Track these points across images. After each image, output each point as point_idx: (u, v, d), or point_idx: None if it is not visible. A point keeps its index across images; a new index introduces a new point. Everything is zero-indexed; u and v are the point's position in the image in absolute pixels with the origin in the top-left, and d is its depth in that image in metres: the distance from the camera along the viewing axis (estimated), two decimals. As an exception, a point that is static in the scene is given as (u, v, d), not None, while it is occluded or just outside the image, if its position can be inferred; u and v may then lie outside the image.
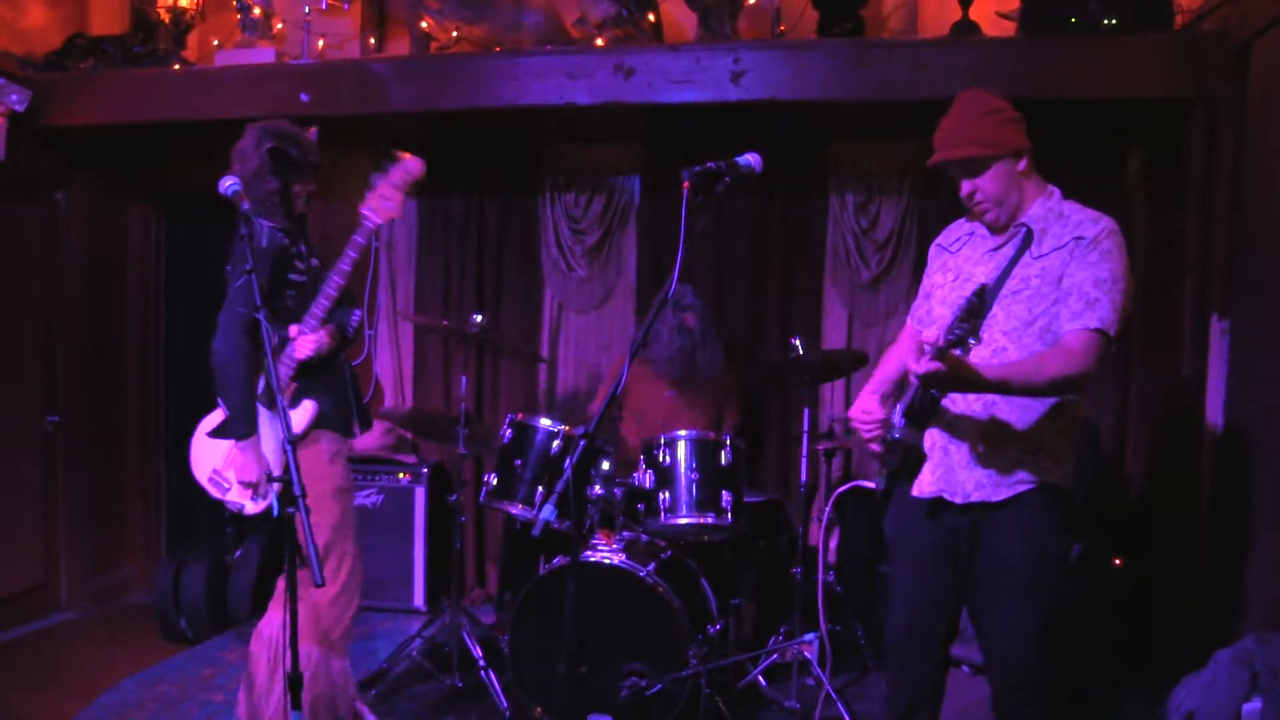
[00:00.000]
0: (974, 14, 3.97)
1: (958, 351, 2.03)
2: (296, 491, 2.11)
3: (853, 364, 4.08)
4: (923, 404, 2.31)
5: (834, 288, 4.65)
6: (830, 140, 4.56)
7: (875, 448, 2.45)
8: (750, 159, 2.17)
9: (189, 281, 5.20)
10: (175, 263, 5.26)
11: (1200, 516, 3.50)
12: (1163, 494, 3.83)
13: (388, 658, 3.89)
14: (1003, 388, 2.19)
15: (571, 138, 4.76)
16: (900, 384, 2.53)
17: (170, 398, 5.26)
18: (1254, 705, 2.49)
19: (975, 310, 1.96)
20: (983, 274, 2.37)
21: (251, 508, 2.95)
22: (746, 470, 3.62)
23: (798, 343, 3.77)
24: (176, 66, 4.44)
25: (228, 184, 2.49)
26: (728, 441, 3.48)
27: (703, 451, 3.44)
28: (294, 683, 2.10)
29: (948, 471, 2.37)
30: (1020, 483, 2.30)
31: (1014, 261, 2.33)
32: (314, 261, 3.04)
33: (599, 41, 4.18)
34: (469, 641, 3.73)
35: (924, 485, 2.42)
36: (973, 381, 2.14)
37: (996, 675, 2.43)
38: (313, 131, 2.96)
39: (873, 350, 4.59)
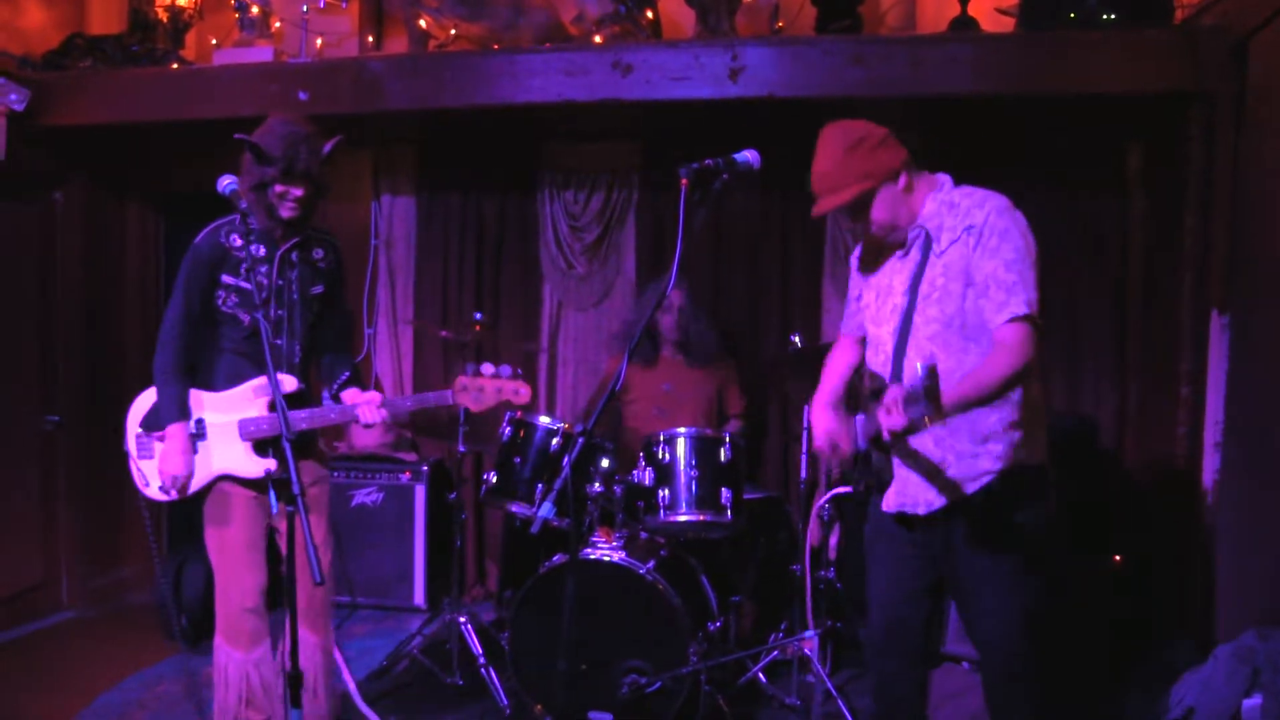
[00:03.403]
0: (972, 10, 3.97)
1: (929, 419, 1.98)
2: (295, 490, 2.11)
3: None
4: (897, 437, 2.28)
5: (833, 284, 4.65)
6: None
7: (837, 472, 2.47)
8: (748, 155, 2.17)
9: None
10: (174, 262, 5.23)
11: (1200, 513, 3.50)
12: (1162, 490, 3.82)
13: (388, 656, 3.89)
14: (965, 407, 2.19)
15: (570, 135, 4.75)
16: (850, 392, 2.57)
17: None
18: (1254, 701, 2.49)
19: (930, 392, 1.92)
20: (900, 284, 2.38)
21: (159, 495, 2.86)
22: (746, 467, 3.62)
23: (797, 339, 3.77)
24: (175, 66, 4.44)
25: (225, 183, 2.49)
26: (727, 438, 3.47)
27: (702, 448, 3.43)
28: (293, 681, 2.10)
29: (904, 485, 2.38)
30: (979, 478, 2.30)
31: (921, 266, 2.34)
32: (293, 276, 2.88)
33: (597, 39, 4.18)
34: (469, 639, 3.73)
35: (889, 501, 2.43)
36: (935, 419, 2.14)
37: (986, 662, 2.43)
38: (330, 142, 2.79)
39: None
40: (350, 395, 2.97)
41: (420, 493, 4.64)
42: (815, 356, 3.79)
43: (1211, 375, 3.52)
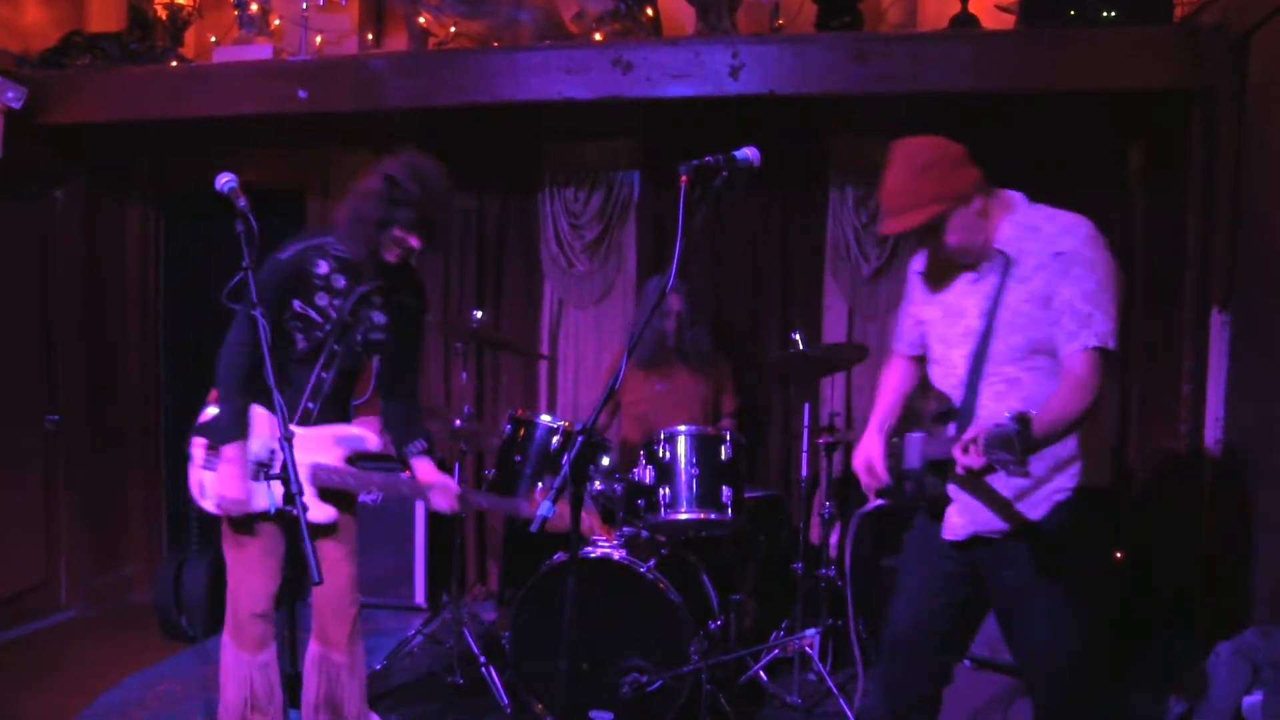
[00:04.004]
0: (973, 7, 3.96)
1: (1012, 469, 1.95)
2: (294, 489, 2.11)
3: (853, 357, 4.07)
4: (948, 460, 2.23)
5: (834, 282, 4.65)
6: (830, 134, 4.55)
7: (873, 499, 2.44)
8: (748, 153, 2.16)
9: (188, 279, 5.19)
10: (174, 260, 5.25)
11: (1202, 510, 3.49)
12: (1164, 488, 3.82)
13: (389, 655, 3.89)
14: (1045, 444, 2.12)
15: (570, 133, 4.75)
16: (906, 417, 2.51)
17: (170, 396, 5.26)
18: (1255, 698, 2.49)
19: (1023, 443, 1.87)
20: (974, 306, 2.32)
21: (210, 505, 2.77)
22: (747, 465, 3.62)
23: (798, 337, 3.77)
24: (174, 64, 4.43)
25: (224, 180, 2.47)
26: (728, 437, 3.47)
27: (703, 447, 3.43)
28: (291, 681, 2.10)
29: (976, 510, 2.32)
30: (1049, 502, 2.26)
31: (1001, 290, 2.27)
32: (366, 315, 2.78)
33: (597, 36, 4.17)
34: (470, 639, 3.72)
35: (955, 529, 2.35)
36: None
37: (1035, 679, 2.39)
38: (462, 200, 2.72)
39: (873, 344, 4.58)
40: (424, 469, 2.88)
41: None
42: (815, 357, 3.81)
43: (1212, 373, 3.51)
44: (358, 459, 2.82)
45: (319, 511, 2.76)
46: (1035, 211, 2.31)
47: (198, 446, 2.78)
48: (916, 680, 2.49)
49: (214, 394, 2.78)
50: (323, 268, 2.72)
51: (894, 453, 2.44)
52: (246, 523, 2.76)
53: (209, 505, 2.76)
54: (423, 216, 2.60)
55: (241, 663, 2.77)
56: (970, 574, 2.38)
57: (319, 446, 2.77)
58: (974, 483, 2.29)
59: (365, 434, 2.81)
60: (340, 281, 2.74)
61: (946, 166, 2.26)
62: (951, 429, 2.30)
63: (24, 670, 4.00)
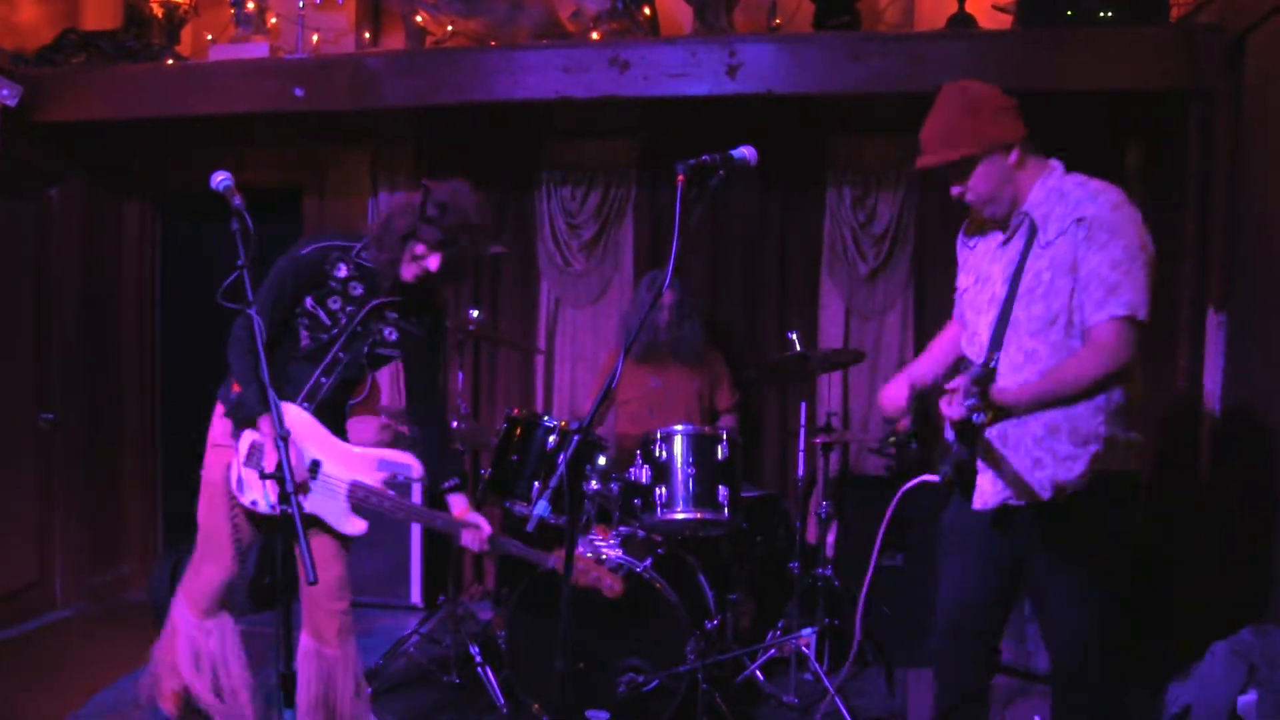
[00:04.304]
0: (970, 7, 3.97)
1: (977, 417, 1.97)
2: (290, 489, 2.10)
3: (849, 359, 4.08)
4: (967, 427, 2.22)
5: (831, 281, 4.65)
6: (827, 134, 4.55)
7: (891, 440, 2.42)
8: (745, 151, 2.16)
9: (185, 277, 5.18)
10: (171, 258, 5.25)
11: (1198, 508, 3.50)
12: (1161, 486, 3.82)
13: (384, 654, 3.88)
14: (1043, 404, 2.13)
15: (567, 132, 4.74)
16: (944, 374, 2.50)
17: (167, 395, 5.25)
18: (1250, 698, 2.49)
19: (980, 389, 1.90)
20: (1000, 273, 2.32)
21: (265, 505, 2.74)
22: (743, 465, 3.62)
23: (794, 337, 3.76)
24: (170, 62, 4.43)
25: (219, 179, 2.46)
26: (724, 436, 3.47)
27: (699, 446, 3.43)
28: (286, 680, 2.10)
29: (992, 481, 2.32)
30: (1072, 480, 2.23)
31: (1024, 255, 2.26)
32: (376, 329, 2.77)
33: (594, 35, 4.17)
34: (466, 638, 3.72)
35: (986, 496, 2.34)
36: (1010, 411, 2.10)
37: (1053, 666, 2.39)
38: (497, 248, 2.71)
39: (870, 345, 4.59)
40: (458, 506, 2.90)
41: (417, 490, 4.62)
42: (811, 358, 3.81)
43: (1209, 372, 3.52)
44: (397, 485, 2.86)
45: (352, 525, 2.80)
46: (1068, 178, 2.29)
47: (243, 441, 2.77)
48: (971, 666, 2.48)
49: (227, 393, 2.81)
50: (342, 271, 2.72)
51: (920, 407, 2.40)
52: (223, 508, 2.79)
53: (246, 499, 2.76)
54: (447, 239, 2.60)
55: (189, 623, 2.86)
56: (1010, 555, 2.36)
57: (363, 466, 2.80)
58: (989, 453, 2.29)
59: (411, 461, 2.83)
60: (358, 289, 2.74)
61: (990, 112, 2.27)
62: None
63: (19, 669, 3.99)
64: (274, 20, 4.64)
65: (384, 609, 4.60)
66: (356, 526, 2.82)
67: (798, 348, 3.72)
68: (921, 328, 4.57)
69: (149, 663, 2.97)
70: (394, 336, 2.82)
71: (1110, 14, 3.59)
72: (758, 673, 3.65)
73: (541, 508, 2.04)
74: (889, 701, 3.67)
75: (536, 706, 3.34)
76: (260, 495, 2.75)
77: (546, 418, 3.54)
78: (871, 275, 4.56)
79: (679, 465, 3.40)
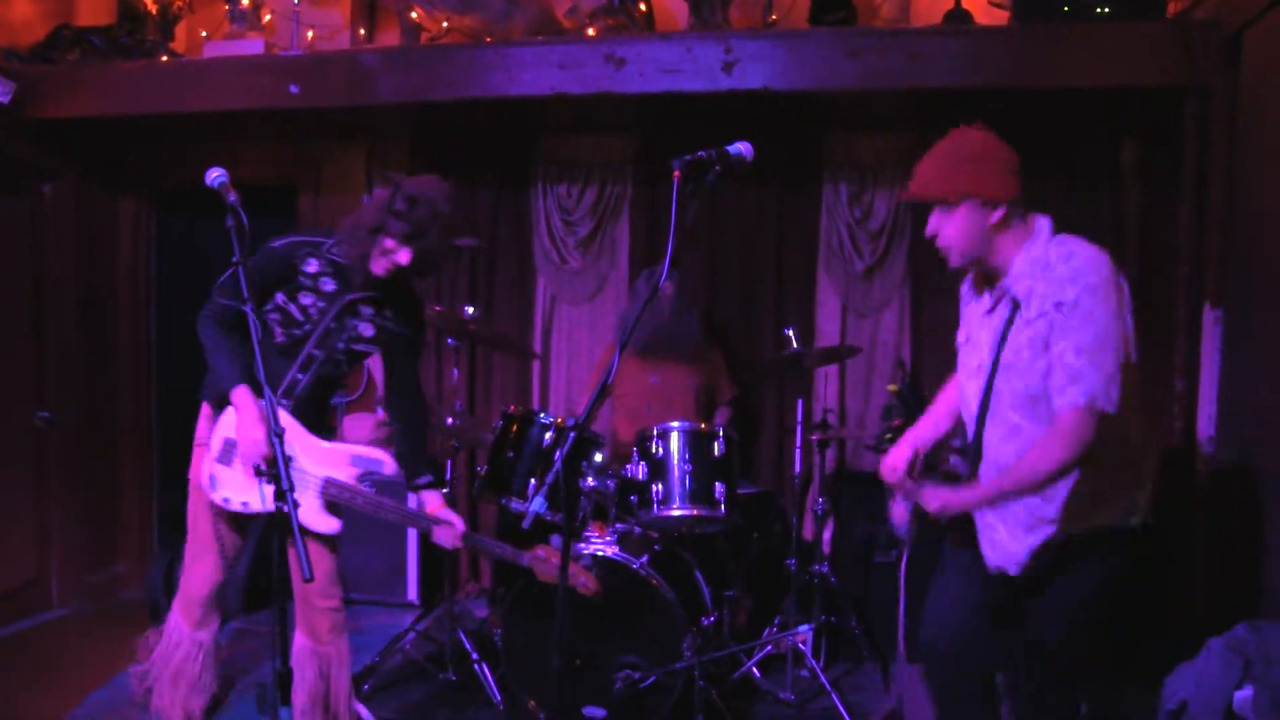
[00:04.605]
0: (966, 3, 3.97)
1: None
2: (285, 485, 2.10)
3: (846, 355, 4.08)
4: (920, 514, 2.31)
5: (828, 278, 4.64)
6: (824, 130, 4.55)
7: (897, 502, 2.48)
8: (741, 147, 2.15)
9: (180, 274, 5.17)
10: (166, 256, 5.23)
11: (1195, 505, 3.50)
12: (1158, 484, 3.83)
13: (380, 652, 3.88)
14: (1002, 500, 2.19)
15: (563, 128, 4.74)
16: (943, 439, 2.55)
17: (163, 393, 5.24)
18: (1245, 693, 2.49)
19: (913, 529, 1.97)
20: (986, 340, 2.32)
21: (258, 503, 2.71)
22: (740, 462, 3.62)
23: (791, 333, 3.76)
24: (164, 58, 4.41)
25: (214, 175, 2.45)
26: (720, 433, 3.47)
27: (696, 443, 3.42)
28: (283, 678, 2.09)
29: (995, 546, 2.34)
30: (1024, 551, 2.28)
31: (1007, 328, 2.26)
32: (350, 324, 2.76)
33: (590, 31, 4.16)
34: (462, 635, 3.72)
35: (989, 557, 2.37)
36: (967, 512, 2.19)
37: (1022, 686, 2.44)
38: (468, 241, 2.72)
39: (866, 341, 4.59)
40: (434, 503, 2.89)
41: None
42: (808, 353, 3.81)
43: (1205, 369, 3.52)
44: (371, 480, 2.83)
45: (324, 522, 2.78)
46: (1054, 247, 2.23)
47: (216, 438, 2.77)
48: (969, 687, 2.50)
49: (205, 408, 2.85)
50: (312, 266, 2.71)
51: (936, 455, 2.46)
52: (206, 509, 2.80)
53: (218, 497, 2.77)
54: (414, 232, 2.59)
55: (183, 634, 2.89)
56: (998, 585, 2.39)
57: (335, 462, 2.78)
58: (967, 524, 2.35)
59: (384, 458, 2.82)
60: (329, 285, 2.74)
61: (990, 164, 2.25)
62: (958, 463, 2.36)
63: (16, 668, 3.98)
64: (269, 17, 4.63)
65: (380, 606, 4.60)
66: (329, 525, 2.80)
67: (794, 344, 3.72)
68: (918, 324, 4.57)
69: (146, 666, 2.98)
70: (370, 333, 2.81)
71: (1107, 10, 3.59)
72: (754, 669, 3.65)
73: (538, 504, 2.03)
74: (885, 697, 3.67)
75: (533, 703, 3.33)
76: (232, 492, 2.75)
77: (542, 414, 3.53)
78: (868, 272, 4.56)
79: (675, 462, 3.40)
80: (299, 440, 2.76)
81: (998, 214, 2.23)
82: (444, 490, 3.02)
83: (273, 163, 4.98)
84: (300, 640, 2.87)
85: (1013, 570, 2.31)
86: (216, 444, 2.78)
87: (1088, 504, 2.23)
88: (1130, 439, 2.25)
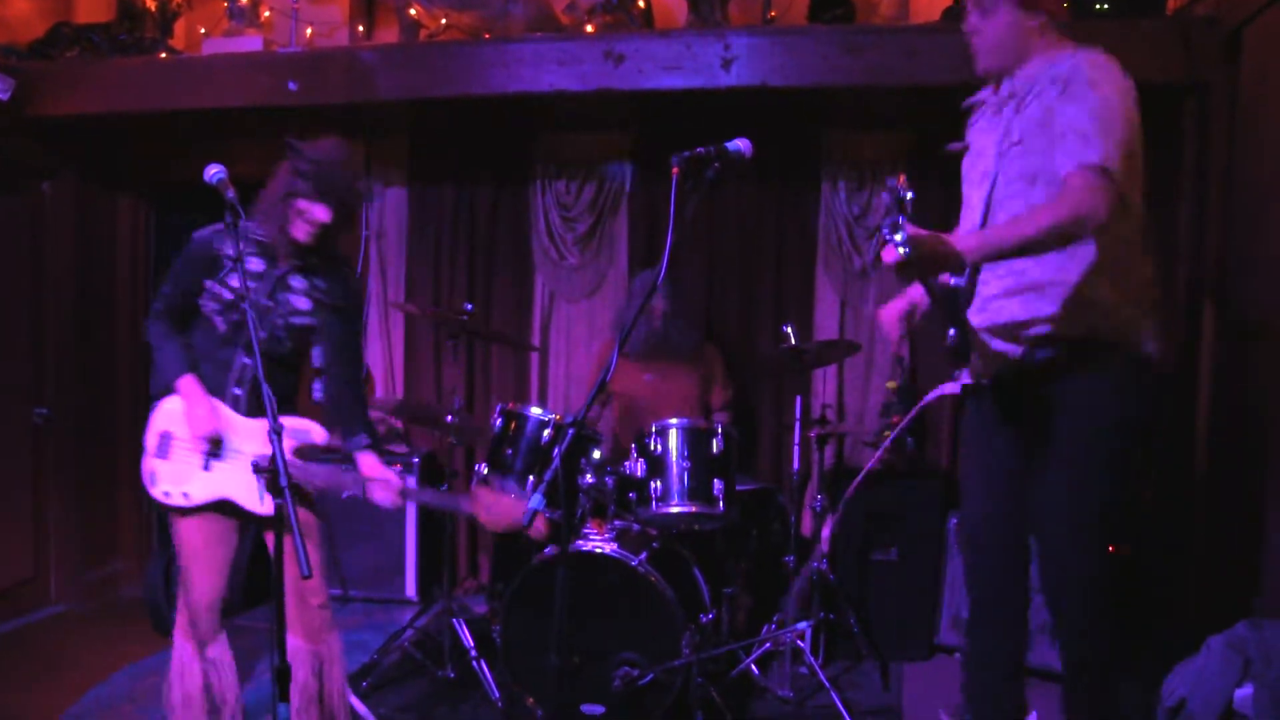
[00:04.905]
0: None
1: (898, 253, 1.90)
2: (283, 482, 2.09)
3: (845, 352, 4.07)
4: (942, 294, 2.14)
5: (826, 275, 4.64)
6: (823, 127, 4.54)
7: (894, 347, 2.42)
8: (740, 144, 2.15)
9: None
10: (165, 254, 5.22)
11: (1194, 502, 3.51)
12: (1156, 481, 3.83)
13: (379, 649, 3.88)
14: (998, 252, 2.05)
15: (562, 125, 4.73)
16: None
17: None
18: (1245, 691, 2.49)
19: (896, 202, 1.88)
20: (990, 145, 2.29)
21: (200, 492, 2.71)
22: (739, 458, 3.61)
23: (790, 330, 3.76)
24: (163, 56, 4.41)
25: (212, 172, 2.45)
26: (719, 430, 3.46)
27: (694, 440, 3.42)
28: (281, 676, 2.09)
29: (983, 347, 2.28)
30: (1045, 317, 2.18)
31: (1011, 119, 2.24)
32: (285, 299, 2.74)
33: (589, 28, 4.16)
34: (461, 632, 3.71)
35: (975, 369, 2.32)
36: (954, 258, 2.02)
37: (1044, 556, 2.35)
38: (368, 186, 2.72)
39: (865, 338, 4.58)
40: (368, 464, 2.86)
41: (411, 484, 4.62)
42: (807, 351, 3.80)
43: (1203, 364, 3.52)
44: (303, 452, 2.79)
45: (266, 505, 2.72)
46: (1070, 54, 2.22)
47: (151, 434, 2.77)
48: (999, 570, 2.44)
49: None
50: (230, 248, 2.68)
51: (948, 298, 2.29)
52: (190, 513, 2.77)
53: (157, 492, 2.77)
54: (322, 186, 2.63)
55: (195, 658, 2.78)
56: (1015, 439, 2.33)
57: (261, 437, 2.72)
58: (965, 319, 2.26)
59: (310, 426, 2.77)
60: (258, 265, 2.73)
61: None
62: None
63: (14, 665, 3.98)
64: (267, 14, 4.62)
65: (379, 603, 4.60)
66: (269, 507, 2.68)
67: (793, 341, 3.72)
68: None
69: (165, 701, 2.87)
70: (306, 305, 2.79)
71: (1106, 6, 3.58)
72: (753, 666, 3.65)
73: (536, 501, 2.03)
74: (884, 695, 3.67)
75: (531, 700, 3.33)
76: (171, 484, 2.74)
77: (540, 412, 3.53)
78: (866, 269, 4.56)
79: (674, 459, 3.40)
80: (228, 424, 2.72)
81: (1036, 20, 2.23)
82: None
83: (271, 160, 4.93)
84: (293, 641, 2.86)
85: (1015, 352, 2.22)
86: (152, 440, 2.76)
87: (1089, 308, 2.15)
88: (1134, 249, 2.17)
